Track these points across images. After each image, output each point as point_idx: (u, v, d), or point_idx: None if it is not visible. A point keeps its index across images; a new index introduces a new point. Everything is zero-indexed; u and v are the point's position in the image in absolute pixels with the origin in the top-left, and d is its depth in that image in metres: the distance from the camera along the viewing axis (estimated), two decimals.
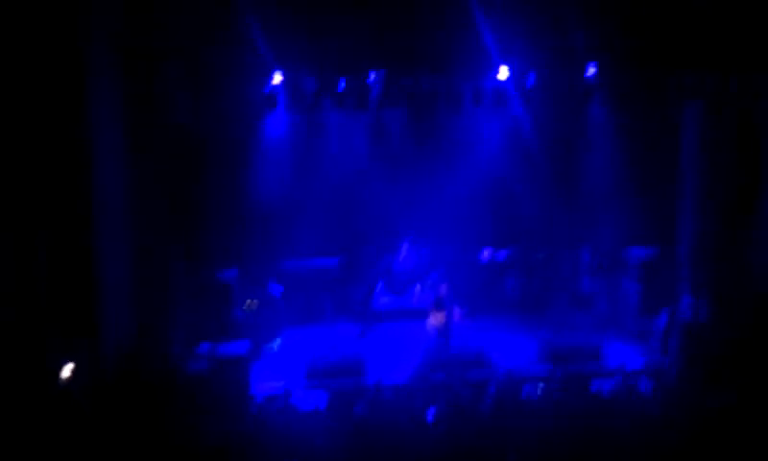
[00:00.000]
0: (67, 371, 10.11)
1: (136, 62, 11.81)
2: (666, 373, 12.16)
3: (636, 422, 9.82)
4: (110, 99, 11.44)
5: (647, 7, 13.21)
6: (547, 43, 13.63)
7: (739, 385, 10.68)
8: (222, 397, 10.88)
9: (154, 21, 11.87)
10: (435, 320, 13.35)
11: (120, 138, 11.66)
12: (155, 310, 12.03)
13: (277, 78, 14.18)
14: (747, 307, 12.86)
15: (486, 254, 16.06)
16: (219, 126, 14.17)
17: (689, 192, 14.60)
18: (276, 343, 14.13)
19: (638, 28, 13.30)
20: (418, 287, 15.78)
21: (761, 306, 12.76)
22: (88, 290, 10.84)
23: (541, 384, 11.44)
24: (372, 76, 14.50)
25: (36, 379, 9.84)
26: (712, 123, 14.15)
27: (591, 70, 14.52)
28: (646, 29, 13.32)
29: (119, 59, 11.59)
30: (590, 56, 14.27)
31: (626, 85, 14.78)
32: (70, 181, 10.59)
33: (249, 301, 14.14)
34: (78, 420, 9.78)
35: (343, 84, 14.64)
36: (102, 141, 11.09)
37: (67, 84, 10.49)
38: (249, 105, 14.60)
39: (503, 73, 14.28)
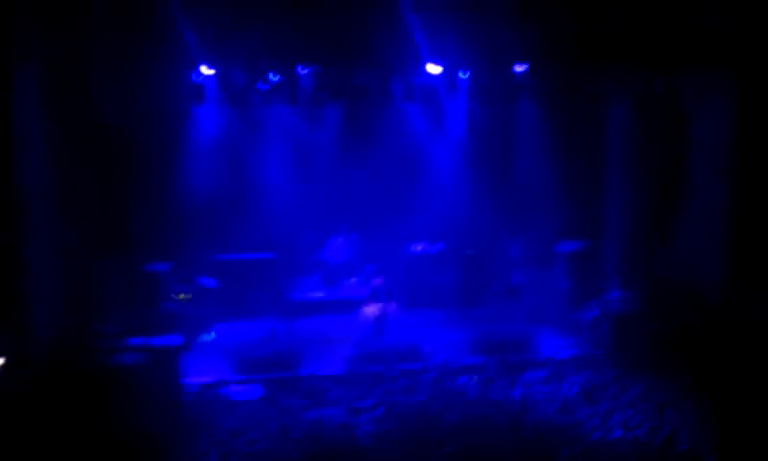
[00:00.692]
0: None
1: (60, 59, 11.58)
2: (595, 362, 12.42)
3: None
4: (34, 95, 11.20)
5: (574, 7, 13.50)
6: (477, 41, 13.80)
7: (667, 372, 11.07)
8: (154, 388, 10.70)
9: (76, 18, 11.66)
10: (370, 311, 13.42)
11: (45, 135, 11.41)
12: (83, 304, 11.84)
13: (206, 71, 14.05)
14: (674, 297, 13.23)
15: (419, 247, 16.18)
16: (147, 120, 13.94)
17: (616, 186, 15.02)
18: (210, 336, 13.98)
19: (565, 27, 13.57)
20: (352, 279, 15.84)
21: (687, 294, 13.15)
22: (14, 285, 10.62)
23: (476, 375, 11.66)
24: (303, 70, 14.50)
25: None
26: (638, 120, 14.58)
27: (520, 68, 14.75)
28: (573, 28, 13.59)
29: (42, 55, 11.33)
30: (519, 54, 14.49)
31: (554, 83, 15.12)
32: None
33: (181, 293, 13.97)
34: (6, 415, 9.53)
35: (273, 78, 14.62)
36: (26, 139, 10.91)
37: None
38: (177, 99, 14.44)
39: (433, 69, 14.40)
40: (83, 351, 11.18)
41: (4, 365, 9.89)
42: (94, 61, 12.20)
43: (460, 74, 15.10)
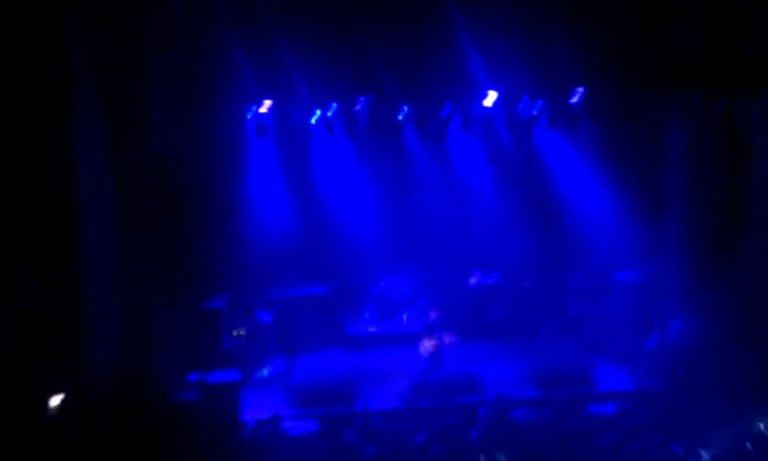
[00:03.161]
0: (55, 401, 10.07)
1: (121, 94, 11.88)
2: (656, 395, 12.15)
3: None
4: (96, 130, 11.49)
5: (632, 32, 13.39)
6: (535, 67, 13.78)
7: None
8: (212, 424, 10.82)
9: (138, 53, 11.98)
10: (425, 345, 13.38)
11: (106, 173, 11.70)
12: (143, 341, 12.00)
13: (266, 106, 14.28)
14: (739, 327, 12.88)
15: (475, 279, 16.07)
16: (206, 157, 14.22)
17: (677, 214, 14.71)
18: (266, 370, 14.08)
19: (623, 52, 13.47)
20: (407, 313, 15.79)
21: (753, 322, 12.78)
22: (75, 320, 10.83)
23: (533, 408, 11.51)
24: (360, 103, 14.64)
25: (23, 410, 9.78)
26: (699, 146, 14.29)
27: (577, 97, 14.65)
28: (632, 53, 13.49)
29: (104, 91, 11.65)
30: (578, 79, 14.42)
31: (613, 109, 14.94)
32: (57, 212, 10.63)
33: (237, 329, 14.11)
34: (66, 450, 9.72)
35: (330, 112, 14.78)
36: (88, 178, 11.16)
37: (53, 119, 10.56)
38: (235, 134, 14.69)
39: (490, 99, 14.39)
40: (142, 387, 11.35)
41: (63, 400, 10.08)
42: (152, 100, 12.50)
43: (517, 103, 15.04)
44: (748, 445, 9.76)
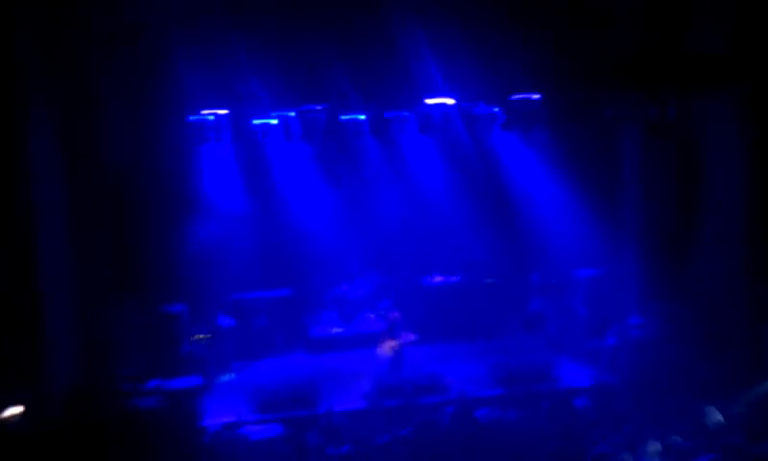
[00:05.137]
0: (10, 413, 9.87)
1: (74, 100, 11.73)
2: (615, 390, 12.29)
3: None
4: (48, 136, 11.31)
5: (583, 33, 13.54)
6: (489, 72, 13.86)
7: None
8: (173, 431, 10.69)
9: (91, 59, 11.84)
10: (387, 346, 13.37)
11: (58, 181, 11.51)
12: (101, 349, 11.83)
13: (219, 112, 14.21)
14: (694, 322, 13.07)
15: (437, 279, 16.13)
16: (159, 163, 14.05)
17: (633, 211, 14.90)
18: (228, 375, 13.98)
19: (576, 55, 13.61)
20: (370, 315, 15.80)
21: (707, 317, 12.99)
22: (31, 332, 10.64)
23: (495, 406, 11.55)
24: (315, 108, 14.62)
25: None
26: (652, 145, 14.48)
27: (534, 98, 14.79)
28: (584, 56, 13.63)
29: (56, 96, 11.48)
30: (532, 83, 14.54)
31: (567, 111, 15.10)
32: (9, 218, 10.44)
33: (198, 334, 13.98)
34: None
35: (288, 116, 14.75)
36: (40, 186, 10.96)
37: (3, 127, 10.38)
38: (189, 140, 14.58)
39: (446, 101, 14.46)
40: (101, 396, 11.19)
41: (23, 413, 9.89)
42: (106, 107, 12.35)
43: (471, 106, 15.15)
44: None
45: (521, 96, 14.95)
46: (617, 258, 14.89)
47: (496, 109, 15.45)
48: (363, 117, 15.31)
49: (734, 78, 13.04)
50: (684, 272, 14.03)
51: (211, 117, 14.49)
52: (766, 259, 12.74)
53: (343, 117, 15.16)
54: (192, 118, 14.40)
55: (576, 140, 15.37)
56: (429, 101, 14.75)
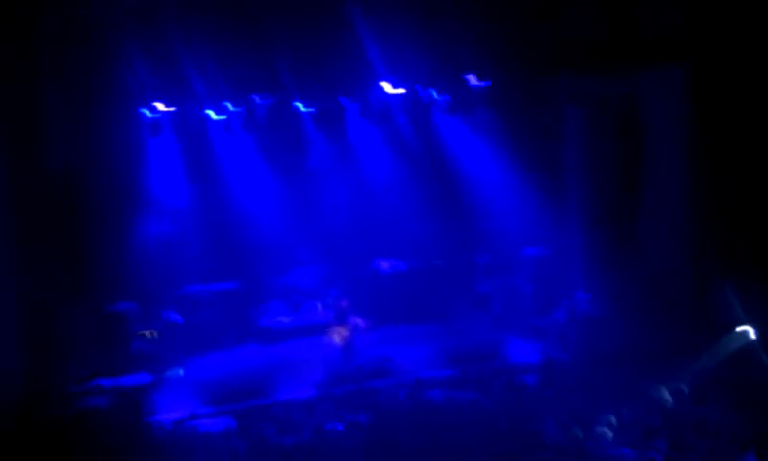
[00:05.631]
0: None
1: (14, 98, 11.52)
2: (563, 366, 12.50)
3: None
4: None
5: (527, 15, 13.67)
6: (432, 55, 13.93)
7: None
8: (122, 429, 10.62)
9: (31, 55, 11.64)
10: (337, 334, 13.42)
11: (4, 177, 11.37)
12: (47, 350, 11.70)
13: (161, 107, 14.07)
14: (640, 296, 13.33)
15: (385, 265, 16.19)
16: (103, 159, 13.86)
17: (577, 189, 15.13)
18: (179, 371, 13.87)
19: (517, 36, 13.74)
20: (318, 303, 15.79)
21: (653, 291, 13.25)
22: None
23: (445, 387, 11.70)
24: (259, 99, 14.56)
25: None
26: (595, 124, 14.71)
27: (473, 80, 14.89)
28: (525, 37, 13.78)
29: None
30: (474, 65, 14.64)
31: (510, 93, 15.23)
32: None
33: (147, 331, 13.86)
34: None
35: (228, 109, 14.66)
36: None
37: None
38: (132, 135, 14.42)
39: (390, 88, 14.50)
40: (48, 397, 11.07)
41: None
42: (51, 105, 12.17)
43: (411, 91, 15.20)
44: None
45: (466, 79, 15.02)
46: (563, 236, 15.13)
47: (441, 94, 15.51)
48: (308, 107, 15.26)
49: (676, 57, 13.30)
50: (629, 247, 14.31)
51: (156, 112, 14.33)
52: (709, 232, 13.05)
53: (288, 107, 15.08)
54: (137, 113, 14.19)
55: (520, 121, 15.53)
56: (374, 87, 14.77)
